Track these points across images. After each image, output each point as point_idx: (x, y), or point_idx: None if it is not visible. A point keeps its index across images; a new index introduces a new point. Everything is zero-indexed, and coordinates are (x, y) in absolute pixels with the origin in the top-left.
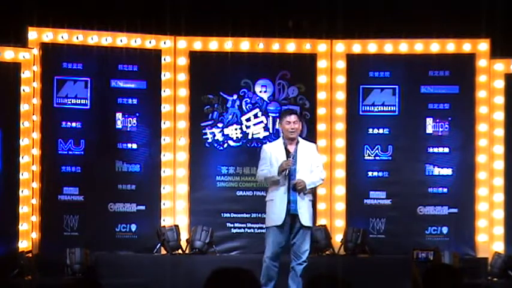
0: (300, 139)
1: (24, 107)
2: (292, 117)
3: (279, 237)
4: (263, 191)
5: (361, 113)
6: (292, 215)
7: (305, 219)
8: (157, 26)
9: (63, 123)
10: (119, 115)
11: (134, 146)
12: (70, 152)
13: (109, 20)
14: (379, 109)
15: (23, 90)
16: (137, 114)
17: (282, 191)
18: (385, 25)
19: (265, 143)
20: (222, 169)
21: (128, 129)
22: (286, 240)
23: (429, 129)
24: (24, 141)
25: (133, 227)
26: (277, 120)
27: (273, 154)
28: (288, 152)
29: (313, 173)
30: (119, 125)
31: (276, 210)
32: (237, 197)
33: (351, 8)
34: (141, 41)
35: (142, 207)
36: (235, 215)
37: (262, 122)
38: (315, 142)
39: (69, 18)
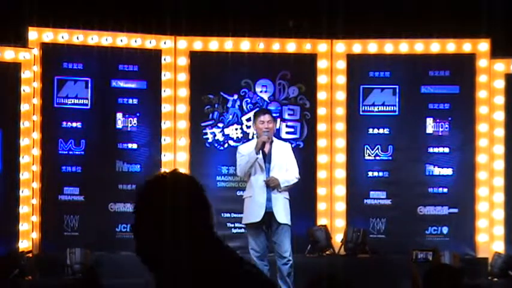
0: (274, 138)
1: (24, 107)
2: (266, 117)
3: (260, 236)
4: None
5: (361, 113)
6: (267, 213)
7: (281, 216)
8: (158, 26)
9: (64, 123)
10: (119, 115)
11: (134, 146)
12: (70, 152)
13: (109, 20)
14: (380, 109)
15: (23, 90)
16: (137, 114)
17: (260, 188)
18: (385, 25)
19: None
20: (222, 169)
21: (128, 129)
22: (266, 238)
23: (429, 129)
24: (24, 141)
25: None
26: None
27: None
28: (263, 152)
29: (288, 172)
30: (119, 125)
31: (254, 206)
32: (237, 197)
33: (351, 8)
34: (142, 41)
35: None
36: (235, 215)
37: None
38: (314, 142)
39: (69, 18)
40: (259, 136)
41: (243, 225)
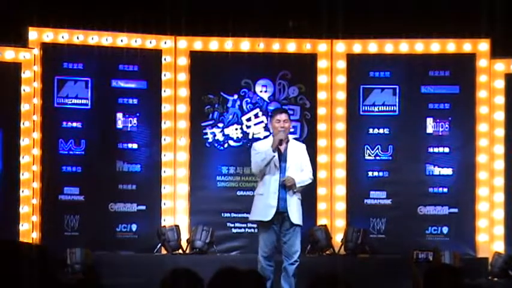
0: (290, 138)
1: (24, 107)
2: (283, 116)
3: (271, 236)
4: None
5: (361, 113)
6: (281, 213)
7: (295, 217)
8: (158, 26)
9: (64, 123)
10: (119, 115)
11: (135, 146)
12: (71, 152)
13: (109, 20)
14: (380, 109)
15: (24, 90)
16: (138, 114)
17: (272, 187)
18: (385, 25)
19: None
20: (222, 169)
21: (129, 129)
22: (277, 239)
23: (429, 129)
24: (24, 141)
25: (134, 227)
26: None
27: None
28: (279, 150)
29: (302, 172)
30: (120, 125)
31: (264, 205)
32: (237, 197)
33: (351, 8)
34: (142, 41)
35: (143, 207)
36: (235, 215)
37: (262, 121)
38: (314, 142)
39: (70, 18)
40: (275, 135)
41: (251, 222)
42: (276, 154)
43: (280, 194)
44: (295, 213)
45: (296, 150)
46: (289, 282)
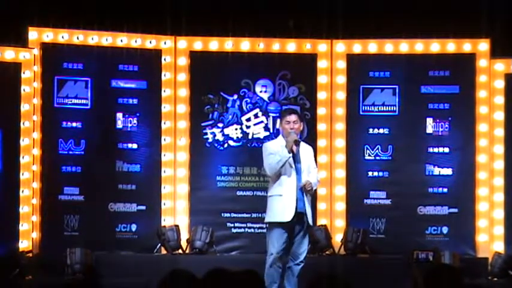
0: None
1: (24, 107)
2: (292, 117)
3: (284, 236)
4: (263, 191)
5: (361, 113)
6: (298, 214)
7: (310, 218)
8: (158, 26)
9: (64, 123)
10: (119, 115)
11: (134, 146)
12: (70, 152)
13: (109, 20)
14: (380, 109)
15: (24, 90)
16: (137, 114)
17: (291, 187)
18: (385, 25)
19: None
20: (222, 169)
21: (129, 129)
22: (289, 239)
23: (429, 129)
24: (24, 141)
25: (134, 227)
26: (278, 119)
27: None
28: (292, 152)
29: (311, 175)
30: (120, 125)
31: (283, 206)
32: (237, 197)
33: (351, 8)
34: (142, 41)
35: (143, 207)
36: (235, 215)
37: (262, 122)
38: (314, 142)
39: (70, 18)
40: (286, 136)
41: (266, 223)
42: (291, 155)
43: (297, 195)
44: (310, 214)
45: (306, 152)
46: (293, 282)
